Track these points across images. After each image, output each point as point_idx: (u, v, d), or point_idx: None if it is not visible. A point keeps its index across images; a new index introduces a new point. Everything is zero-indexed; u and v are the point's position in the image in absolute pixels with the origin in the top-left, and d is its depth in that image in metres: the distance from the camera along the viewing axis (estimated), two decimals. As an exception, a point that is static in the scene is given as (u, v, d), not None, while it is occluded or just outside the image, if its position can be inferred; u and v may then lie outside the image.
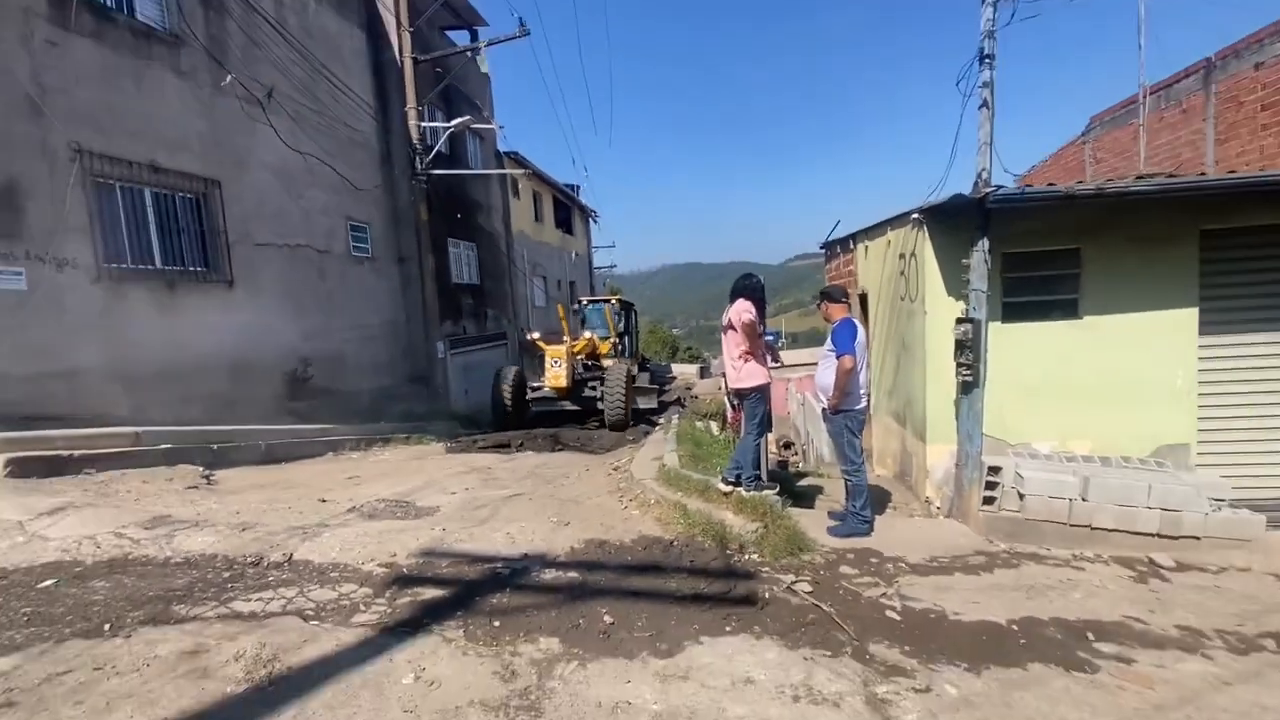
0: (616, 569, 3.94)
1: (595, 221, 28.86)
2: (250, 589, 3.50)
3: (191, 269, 8.35)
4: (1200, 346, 5.22)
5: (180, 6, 8.16)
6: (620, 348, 14.56)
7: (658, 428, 11.39)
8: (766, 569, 4.07)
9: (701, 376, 27.88)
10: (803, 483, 6.98)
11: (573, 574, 3.86)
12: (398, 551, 4.05)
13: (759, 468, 4.86)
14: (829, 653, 3.11)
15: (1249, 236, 5.06)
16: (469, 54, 13.59)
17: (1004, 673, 3.07)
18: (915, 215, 5.53)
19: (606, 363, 13.24)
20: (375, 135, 12.33)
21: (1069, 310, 5.39)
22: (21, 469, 5.15)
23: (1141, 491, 4.76)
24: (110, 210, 7.40)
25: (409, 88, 12.19)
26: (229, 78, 8.30)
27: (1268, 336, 5.17)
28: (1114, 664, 3.21)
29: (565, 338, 12.97)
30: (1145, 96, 9.33)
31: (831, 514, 5.10)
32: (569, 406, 12.33)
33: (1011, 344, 5.34)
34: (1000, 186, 4.66)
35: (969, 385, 5.01)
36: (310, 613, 3.26)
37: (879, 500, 5.67)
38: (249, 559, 3.87)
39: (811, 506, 5.91)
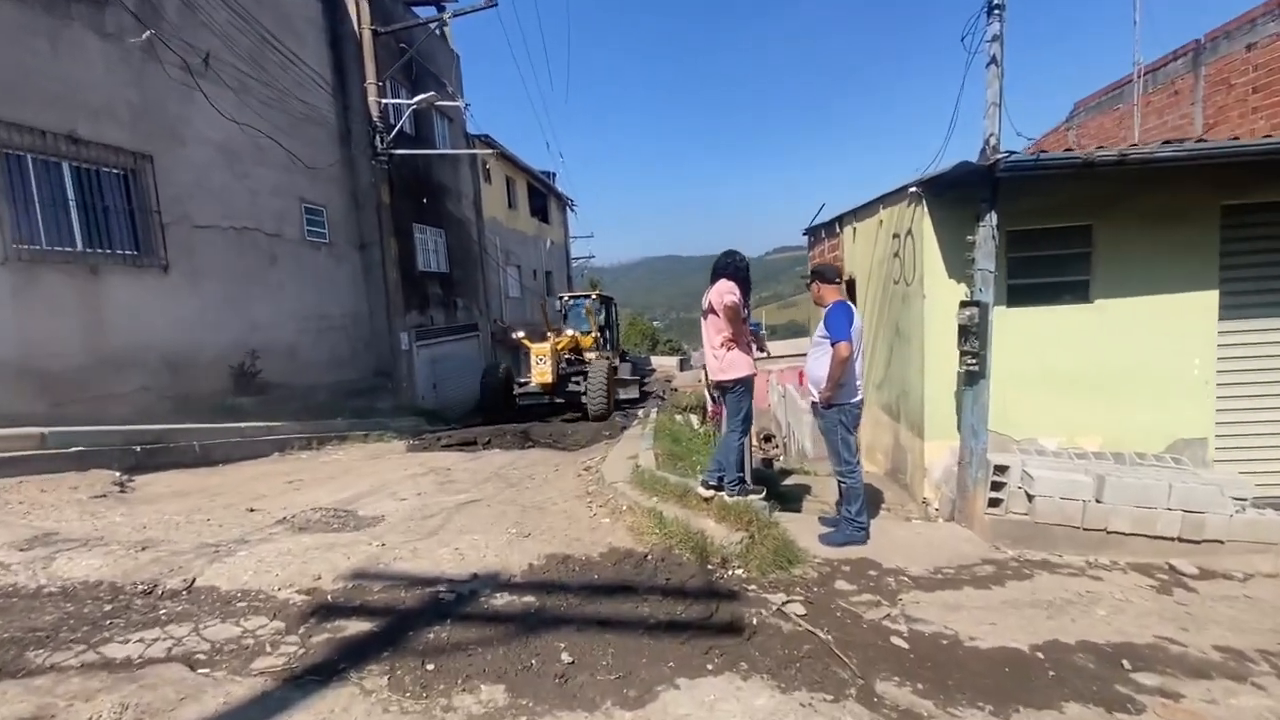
0: (580, 591, 3.39)
1: (573, 210, 28.14)
2: (133, 627, 2.88)
3: (119, 252, 7.57)
4: (1220, 333, 4.81)
5: (101, -41, 7.35)
6: (601, 341, 14.99)
7: (635, 421, 10.88)
8: (753, 587, 3.55)
9: (681, 369, 27.37)
10: (788, 481, 6.49)
11: (529, 598, 3.30)
12: (324, 574, 3.45)
13: (743, 469, 4.33)
14: (830, 696, 2.60)
15: (1274, 212, 4.65)
16: (434, 27, 12.82)
17: (1037, 716, 2.59)
18: (913, 189, 5.03)
19: (588, 356, 13.74)
20: (333, 112, 11.55)
21: (1079, 293, 4.94)
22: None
23: (1161, 492, 4.34)
24: (21, 185, 6.62)
25: (368, 61, 11.40)
26: (146, 34, 7.49)
27: (1291, 321, 4.77)
28: (1159, 700, 2.75)
29: (548, 334, 13.33)
30: (1140, 76, 8.96)
31: (823, 519, 4.61)
32: (555, 400, 12.75)
33: (1016, 330, 4.89)
34: (1012, 152, 4.18)
35: (974, 376, 4.54)
36: (201, 657, 2.66)
37: (871, 501, 5.18)
38: (140, 587, 3.24)
39: (799, 509, 5.42)
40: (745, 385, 4.21)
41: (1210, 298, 4.78)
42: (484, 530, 4.21)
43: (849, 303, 4.21)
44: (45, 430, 5.45)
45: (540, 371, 12.31)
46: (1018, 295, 4.96)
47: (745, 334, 4.19)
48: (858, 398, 4.22)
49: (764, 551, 3.83)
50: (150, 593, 3.20)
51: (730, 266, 4.15)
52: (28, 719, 2.20)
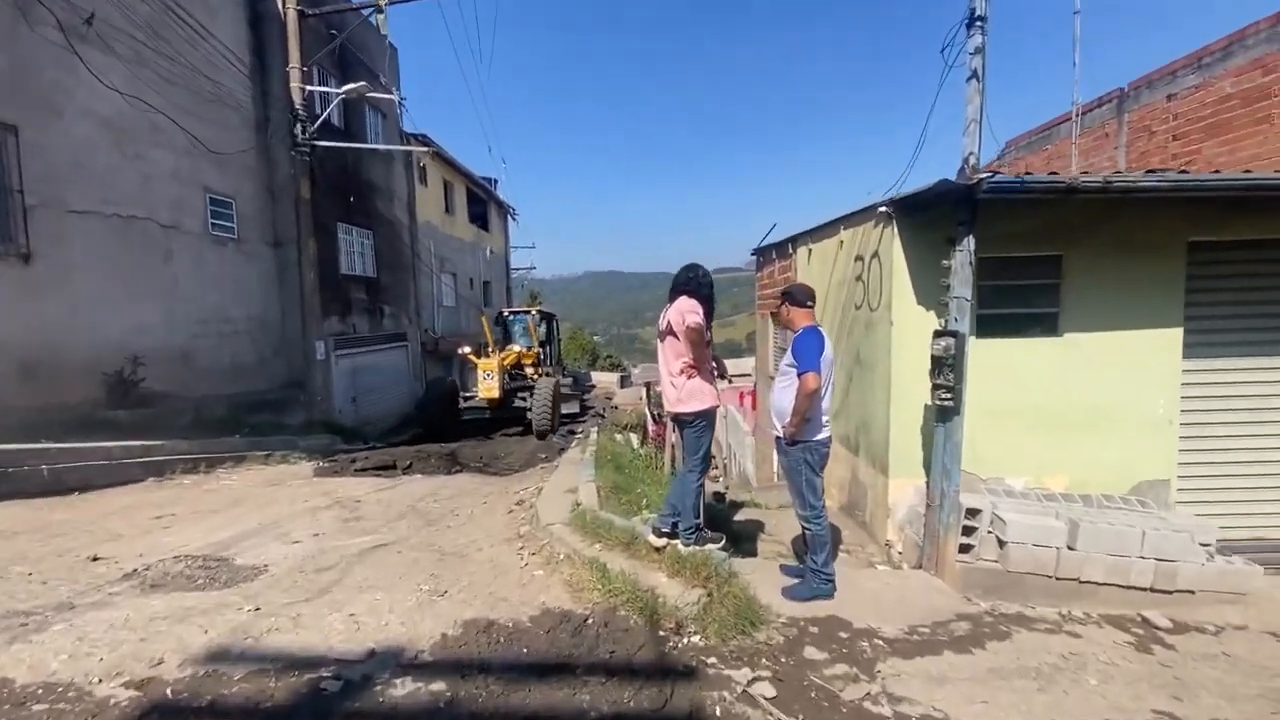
0: (505, 673, 2.75)
1: (514, 219, 27.26)
2: None
3: (-37, 236, 6.40)
4: (1184, 371, 4.67)
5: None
6: (544, 357, 15.16)
7: (574, 442, 10.23)
8: (713, 659, 3.00)
9: (622, 386, 26.89)
10: (740, 516, 6.02)
11: (438, 684, 2.63)
12: (168, 656, 2.67)
13: (700, 514, 3.79)
14: (817, 824, 2.07)
15: (1238, 251, 4.57)
16: (367, 12, 11.95)
17: (1061, 840, 2.14)
18: (882, 209, 4.70)
19: (529, 371, 14.06)
20: (249, 96, 10.48)
21: (1049, 326, 4.71)
22: None
23: (1134, 539, 4.10)
24: None
25: (293, 44, 10.42)
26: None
27: (1252, 361, 4.69)
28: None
29: (490, 349, 13.71)
30: (1079, 115, 9.18)
31: (785, 568, 4.13)
32: (500, 415, 12.93)
33: (984, 362, 4.58)
34: (996, 172, 3.88)
35: (948, 411, 4.19)
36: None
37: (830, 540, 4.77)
38: (-109, 685, 2.37)
39: (754, 551, 4.94)
40: (707, 419, 3.67)
41: (1175, 335, 4.64)
42: (390, 586, 3.50)
43: (820, 329, 3.77)
44: None
45: (487, 387, 12.58)
46: (986, 325, 4.69)
47: (708, 360, 3.67)
48: (824, 434, 3.77)
49: (724, 613, 3.29)
50: (-95, 693, 2.34)
51: (693, 282, 3.64)
52: None
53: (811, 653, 3.25)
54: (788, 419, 3.70)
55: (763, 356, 11.14)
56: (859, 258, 5.48)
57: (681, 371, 3.58)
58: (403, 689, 2.59)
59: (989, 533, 4.35)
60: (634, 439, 12.11)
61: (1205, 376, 4.72)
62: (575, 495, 4.93)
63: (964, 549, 4.30)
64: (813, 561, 3.81)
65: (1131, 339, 4.64)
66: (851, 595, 3.93)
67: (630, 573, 3.52)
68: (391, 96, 11.00)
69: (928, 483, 4.62)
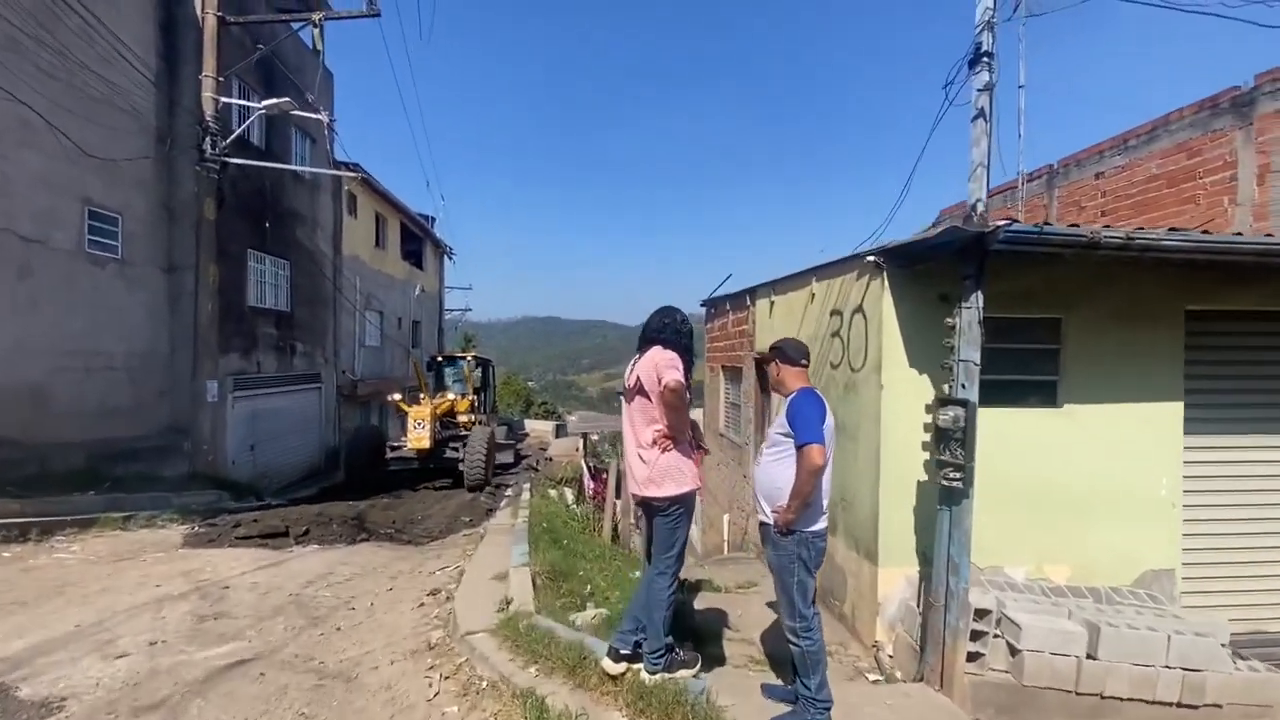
0: None
1: (451, 259, 26.15)
2: None
3: None
4: (1185, 448, 4.29)
5: None
6: (478, 405, 14.34)
7: (504, 501, 9.17)
8: None
9: (557, 435, 25.73)
10: (697, 604, 5.17)
11: None
12: None
13: (670, 630, 2.94)
14: None
15: (1236, 321, 4.30)
16: (298, 27, 11.07)
17: None
18: (871, 259, 4.19)
19: (462, 419, 13.27)
20: (151, 102, 9.30)
21: (1047, 395, 4.27)
22: None
23: (1159, 646, 3.56)
24: None
25: (209, 52, 9.37)
26: None
27: (1254, 440, 4.38)
28: None
29: (423, 395, 12.77)
30: (1024, 183, 9.33)
31: (768, 689, 3.33)
32: (429, 466, 12.02)
33: (981, 436, 4.05)
34: (1012, 221, 3.41)
35: (955, 493, 3.59)
36: None
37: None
38: None
39: (721, 654, 4.09)
40: (684, 505, 2.87)
41: (1176, 409, 4.29)
42: (236, 740, 2.47)
43: (817, 392, 3.11)
44: None
45: (417, 436, 11.64)
46: (981, 393, 4.18)
47: (688, 427, 2.90)
48: (822, 524, 3.07)
49: (703, 772, 2.45)
50: None
51: (669, 329, 2.91)
52: None
53: (818, 827, 2.44)
54: (782, 502, 2.98)
55: (711, 411, 10.54)
56: (836, 312, 4.95)
57: (655, 443, 2.79)
58: None
59: (996, 635, 3.73)
60: (569, 495, 11.14)
61: (1207, 455, 4.36)
62: (505, 585, 4.00)
63: (971, 656, 3.64)
64: (804, 687, 3.02)
65: (1132, 412, 4.25)
66: (849, 725, 3.16)
67: (577, 712, 2.63)
68: (320, 117, 10.04)
69: (923, 574, 3.98)
